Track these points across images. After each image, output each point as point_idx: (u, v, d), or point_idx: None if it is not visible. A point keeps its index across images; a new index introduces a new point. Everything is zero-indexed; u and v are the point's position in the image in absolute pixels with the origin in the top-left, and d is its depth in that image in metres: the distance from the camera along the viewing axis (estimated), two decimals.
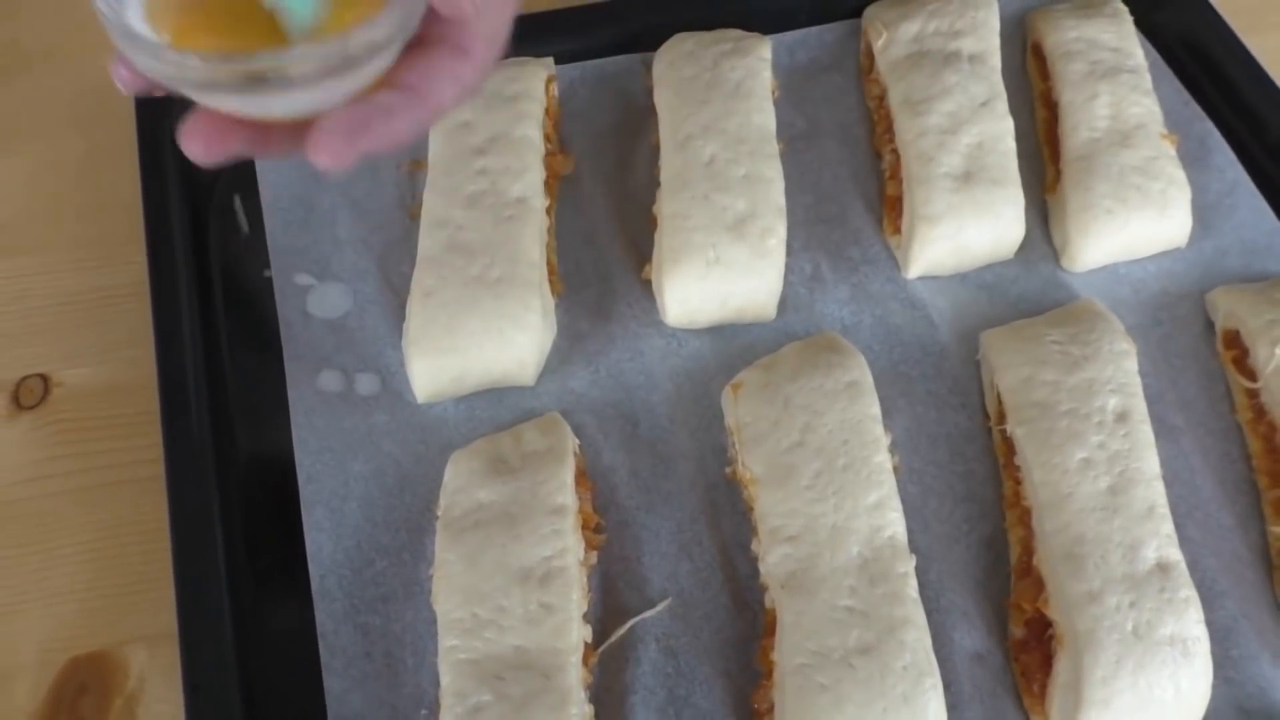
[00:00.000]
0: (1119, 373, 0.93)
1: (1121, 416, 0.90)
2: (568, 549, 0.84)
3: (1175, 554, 0.85)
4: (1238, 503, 0.95)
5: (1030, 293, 1.06)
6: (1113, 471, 0.88)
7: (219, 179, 1.10)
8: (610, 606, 0.88)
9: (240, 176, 1.09)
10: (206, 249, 1.06)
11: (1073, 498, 0.87)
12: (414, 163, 1.07)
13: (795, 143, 1.14)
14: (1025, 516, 0.90)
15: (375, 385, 0.98)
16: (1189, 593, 0.83)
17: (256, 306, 1.03)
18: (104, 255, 1.08)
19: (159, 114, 1.10)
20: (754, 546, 0.88)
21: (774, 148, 1.05)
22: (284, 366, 0.97)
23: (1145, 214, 1.05)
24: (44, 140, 1.16)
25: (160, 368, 0.95)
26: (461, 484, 0.88)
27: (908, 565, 0.84)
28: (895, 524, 0.86)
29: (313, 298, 1.02)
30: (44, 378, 1.00)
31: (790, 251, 1.06)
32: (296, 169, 1.09)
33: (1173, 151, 1.08)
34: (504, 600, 0.82)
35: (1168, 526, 0.86)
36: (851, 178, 1.12)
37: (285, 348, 0.99)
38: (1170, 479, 0.94)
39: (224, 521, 0.89)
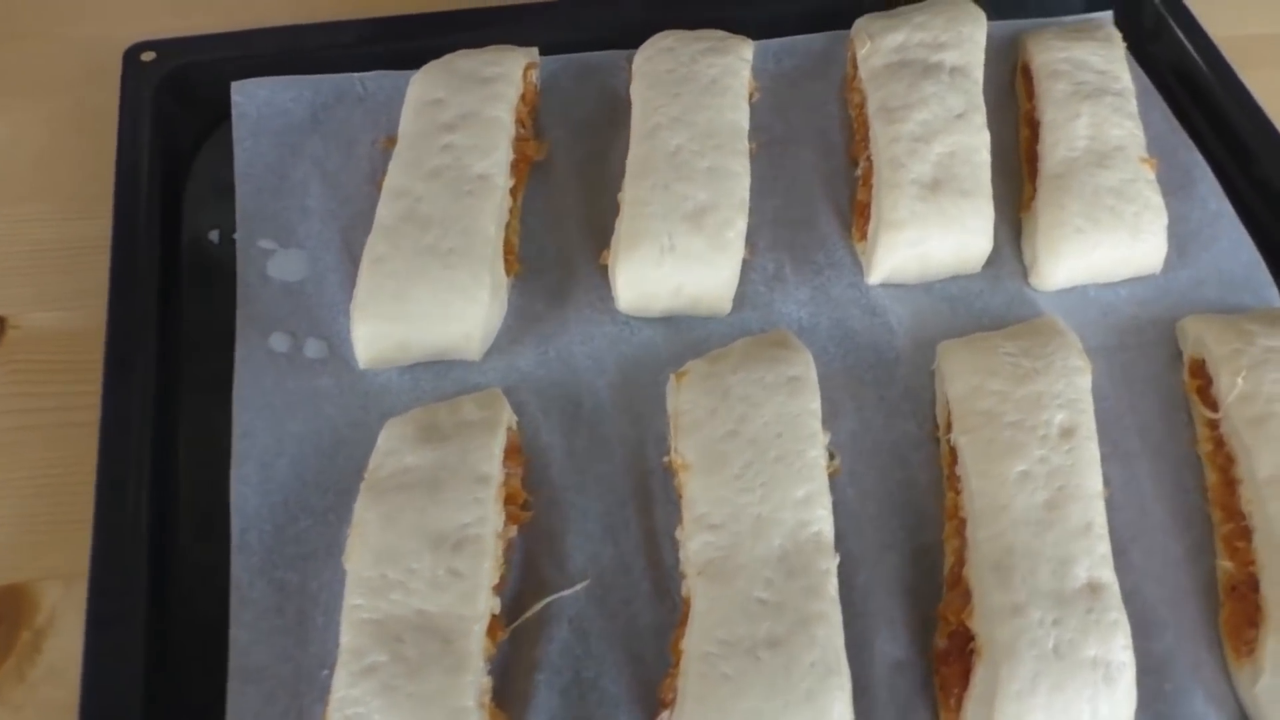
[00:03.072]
0: (1070, 388, 0.91)
1: (1067, 432, 0.88)
2: (486, 518, 0.83)
3: (1108, 575, 0.82)
4: (1188, 534, 0.92)
5: (995, 308, 1.04)
6: (1051, 486, 0.85)
7: (197, 143, 1.12)
8: (529, 582, 0.87)
9: (217, 143, 1.11)
10: (177, 209, 1.08)
11: (1008, 509, 0.84)
12: (388, 139, 1.09)
13: (772, 146, 1.14)
14: (963, 527, 0.88)
15: (323, 350, 0.98)
16: (1118, 616, 0.80)
17: (219, 268, 1.04)
18: (81, 209, 1.10)
19: (143, 75, 1.12)
20: (678, 533, 0.87)
21: (743, 145, 1.04)
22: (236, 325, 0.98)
23: (1117, 236, 1.03)
24: (32, 98, 1.20)
25: (110, 315, 0.96)
26: (392, 448, 0.88)
27: (829, 563, 0.82)
28: (822, 521, 0.84)
29: (273, 262, 1.03)
30: (3, 319, 1.02)
31: (755, 250, 1.05)
32: (274, 138, 1.10)
33: (1151, 176, 1.06)
34: (415, 563, 0.81)
35: (1103, 547, 0.83)
36: (824, 184, 1.11)
37: (240, 307, 1.00)
38: (1120, 503, 0.92)
39: (154, 468, 0.90)
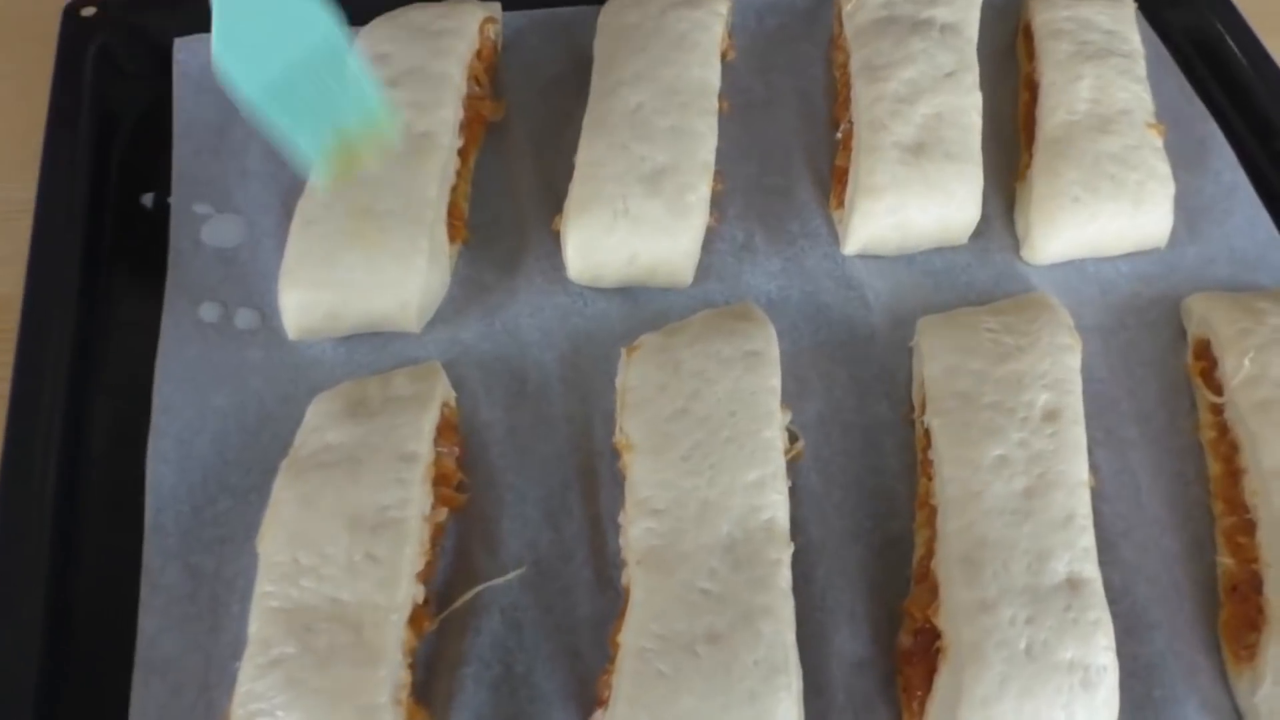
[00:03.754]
0: (1056, 367, 0.83)
1: (1051, 415, 0.80)
2: (410, 500, 0.76)
3: (1090, 570, 0.74)
4: (1186, 529, 0.84)
5: (982, 283, 0.96)
6: (1030, 473, 0.78)
7: (138, 104, 1.06)
8: (461, 570, 0.81)
9: (159, 104, 1.05)
10: (112, 173, 1.02)
11: (981, 497, 0.77)
12: None
13: (750, 109, 1.06)
14: (934, 517, 0.80)
15: (254, 321, 0.92)
16: (1100, 615, 0.73)
17: (151, 234, 0.98)
18: (11, 172, 1.04)
19: (83, 31, 1.07)
20: (620, 518, 0.80)
21: (711, 104, 0.97)
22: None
23: (1118, 206, 0.95)
24: None
25: (29, 282, 0.91)
26: (317, 424, 0.82)
27: (782, 553, 0.75)
28: (776, 507, 0.77)
29: (208, 227, 0.97)
30: None
31: (724, 218, 0.98)
32: (215, 97, 1.04)
33: (1158, 143, 0.98)
34: (330, 547, 0.74)
35: (1087, 539, 0.76)
36: (804, 150, 1.04)
37: (170, 274, 0.94)
38: (1111, 494, 0.84)
39: (64, 443, 0.84)
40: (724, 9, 1.05)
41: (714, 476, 0.77)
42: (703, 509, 0.76)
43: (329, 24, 0.74)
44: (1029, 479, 0.77)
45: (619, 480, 0.84)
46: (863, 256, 0.97)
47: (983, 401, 0.81)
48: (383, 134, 0.78)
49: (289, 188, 0.99)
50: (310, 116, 0.75)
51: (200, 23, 1.06)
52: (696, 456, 0.78)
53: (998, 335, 0.85)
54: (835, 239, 0.98)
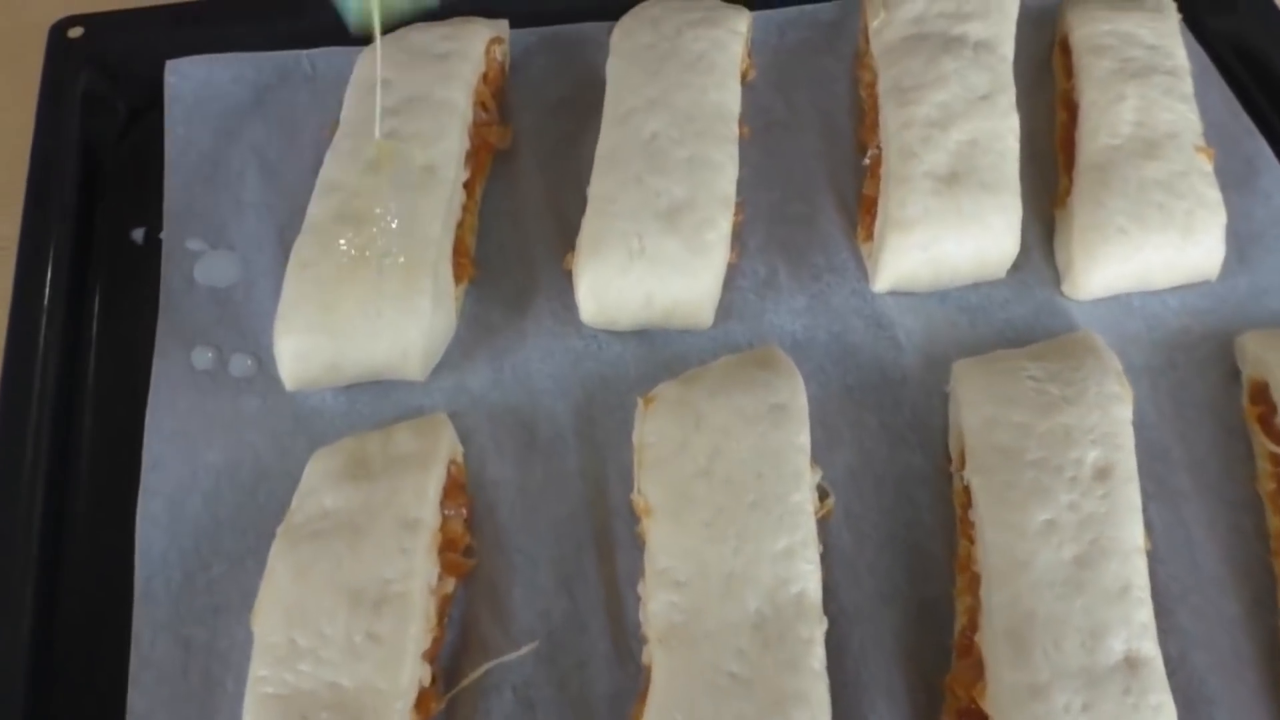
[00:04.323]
0: (1105, 420, 0.77)
1: (1102, 473, 0.75)
2: (414, 572, 0.71)
3: (1150, 648, 0.69)
4: (1246, 590, 0.79)
5: (1020, 320, 0.90)
6: (1082, 539, 0.72)
7: (126, 129, 1.01)
8: (469, 644, 0.76)
9: (149, 130, 0.99)
10: (99, 205, 0.97)
11: (1028, 566, 0.71)
12: (336, 124, 0.96)
13: (770, 131, 1.00)
14: (976, 584, 0.75)
15: (250, 367, 0.87)
16: (1162, 699, 0.67)
17: (141, 272, 0.93)
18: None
19: (69, 53, 1.01)
20: (639, 588, 0.75)
21: (731, 130, 0.91)
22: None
23: (1166, 237, 0.89)
24: None
25: (11, 326, 0.86)
26: (313, 486, 0.77)
27: (814, 630, 0.70)
28: (807, 578, 0.72)
29: (201, 265, 0.92)
30: None
31: (745, 252, 0.92)
32: (211, 123, 0.99)
33: (1208, 168, 0.92)
34: (328, 626, 0.69)
35: (1145, 614, 0.70)
36: (828, 175, 0.98)
37: (161, 317, 0.89)
38: (1165, 554, 0.79)
39: (47, 506, 0.79)
40: (743, 26, 0.99)
41: (739, 545, 0.72)
42: (727, 582, 0.71)
43: None
44: (1080, 546, 0.72)
45: (637, 542, 0.79)
46: (893, 293, 0.91)
47: (1027, 458, 0.76)
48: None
49: (286, 221, 0.94)
50: None
51: (193, 44, 1.02)
52: (720, 522, 0.73)
53: (1041, 384, 0.79)
54: (863, 273, 0.92)
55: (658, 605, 0.71)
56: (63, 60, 1.00)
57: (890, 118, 0.93)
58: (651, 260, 0.84)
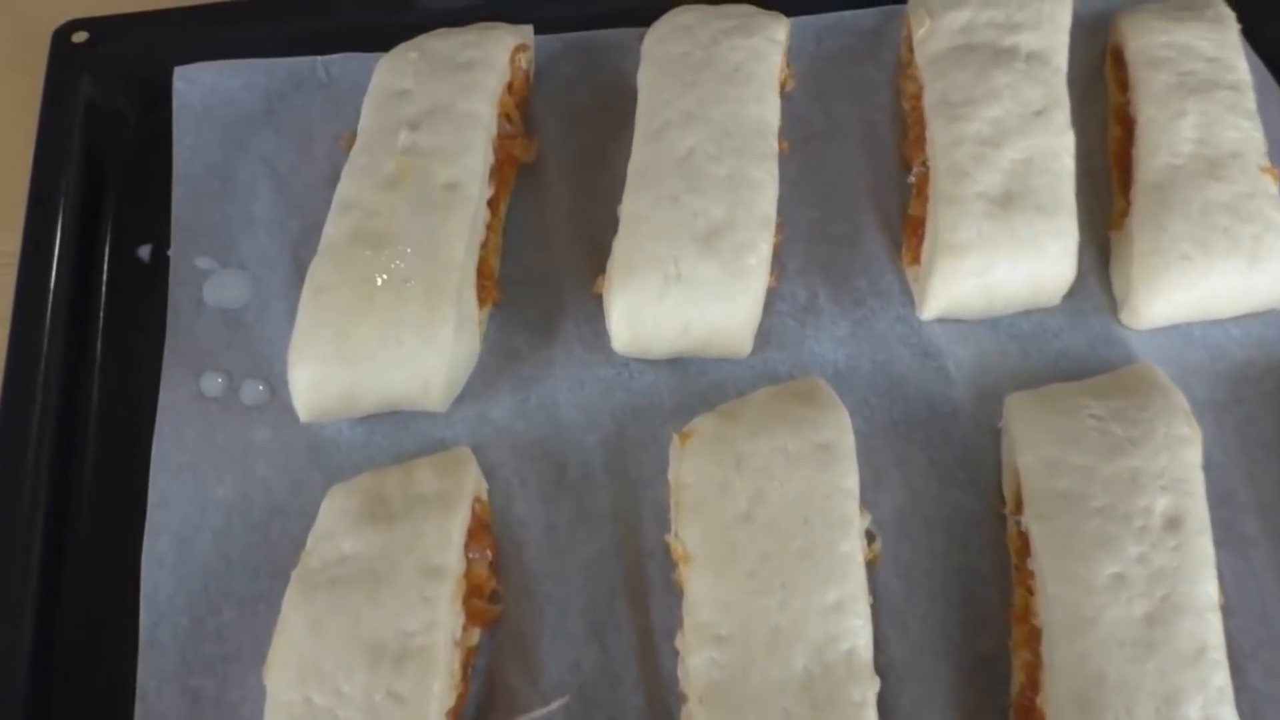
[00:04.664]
0: (1175, 464, 0.72)
1: (1172, 523, 0.70)
2: (437, 623, 0.67)
3: (1228, 714, 0.64)
4: None
5: (1076, 350, 0.86)
6: (1153, 595, 0.67)
7: (133, 139, 0.96)
8: (495, 698, 0.71)
9: (156, 139, 0.95)
10: (105, 219, 0.92)
11: (1096, 624, 0.67)
12: (352, 134, 0.91)
13: (809, 143, 0.95)
14: (1036, 639, 0.70)
15: (262, 395, 0.82)
16: None
17: (148, 291, 0.88)
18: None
19: (73, 58, 0.97)
20: (677, 641, 0.70)
21: (770, 146, 0.86)
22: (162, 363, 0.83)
23: (1232, 264, 0.84)
24: None
25: (10, 351, 0.81)
26: (329, 528, 0.72)
27: (866, 691, 0.65)
28: (857, 634, 0.67)
29: (211, 284, 0.88)
30: None
31: (784, 274, 0.88)
32: (221, 132, 0.94)
33: (1274, 189, 0.87)
34: (346, 684, 0.65)
35: (1221, 677, 0.65)
36: (870, 191, 0.93)
37: (168, 339, 0.85)
38: (1235, 605, 0.74)
39: (46, 545, 0.75)
40: (782, 35, 0.94)
41: (785, 598, 0.67)
42: (773, 638, 0.66)
43: None
44: (1150, 603, 0.67)
45: (673, 587, 0.74)
46: (941, 320, 0.86)
47: (1091, 505, 0.71)
48: None
49: (299, 238, 0.90)
50: None
51: (203, 49, 0.97)
52: (764, 573, 0.68)
53: (1105, 424, 0.74)
54: (908, 298, 0.87)
55: (698, 661, 0.67)
56: (66, 66, 0.96)
57: (939, 133, 0.88)
58: (689, 286, 0.79)
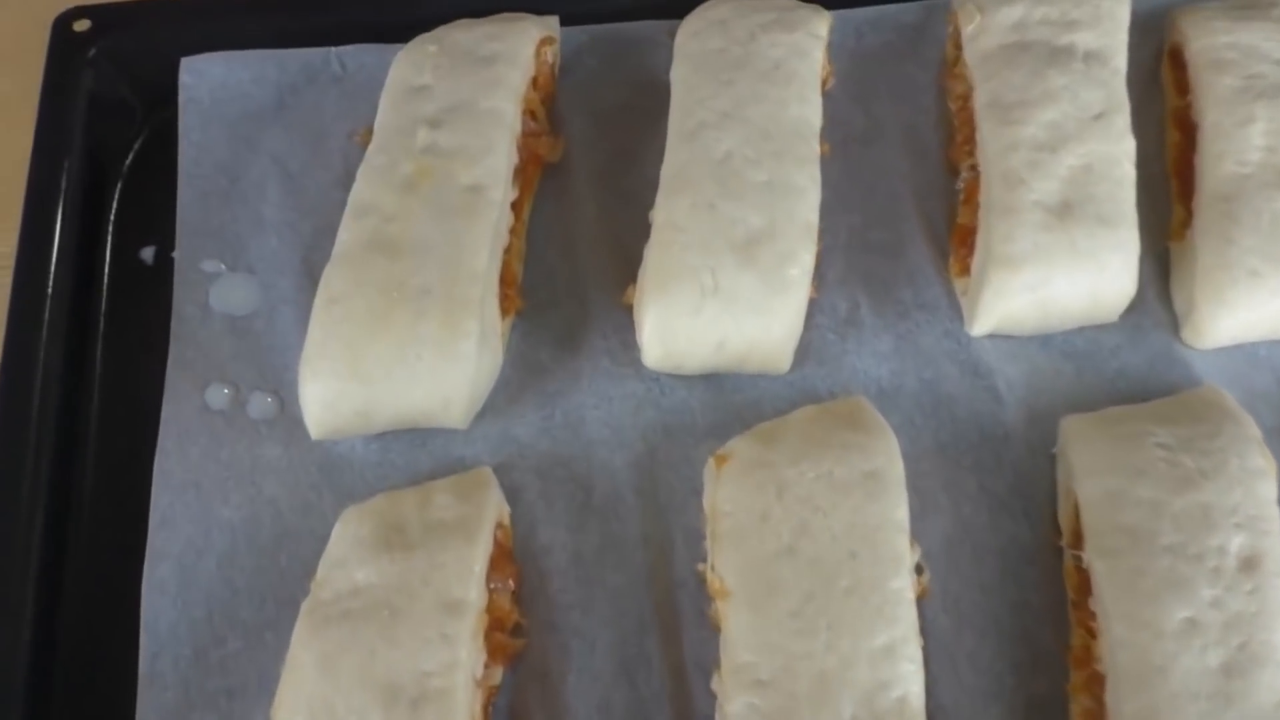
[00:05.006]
0: (1249, 500, 0.67)
1: (1248, 564, 0.65)
2: (457, 663, 0.62)
3: None
4: None
5: (1134, 369, 0.81)
6: (1229, 643, 0.63)
7: (136, 135, 0.92)
8: None
9: (161, 135, 0.90)
10: (107, 220, 0.87)
11: (1167, 673, 0.62)
12: (367, 131, 0.86)
13: (849, 146, 0.90)
14: (1097, 683, 0.66)
15: (271, 409, 0.78)
16: None
17: (152, 296, 0.84)
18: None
19: (75, 49, 0.92)
20: (714, 683, 0.66)
21: (812, 149, 0.81)
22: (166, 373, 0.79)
23: None
24: None
25: (5, 359, 0.77)
26: (344, 554, 0.68)
27: None
28: (909, 680, 0.63)
29: (218, 289, 0.83)
30: None
31: (823, 284, 0.83)
32: (229, 128, 0.89)
33: None
34: None
35: None
36: (914, 197, 0.88)
37: (172, 348, 0.80)
38: None
39: (43, 569, 0.71)
40: (824, 30, 0.88)
41: (832, 640, 0.63)
42: (819, 683, 0.62)
43: None
44: (1227, 651, 0.62)
45: (706, 619, 0.70)
46: (991, 336, 0.81)
47: (1160, 543, 0.66)
48: None
49: (311, 241, 0.85)
50: None
51: (211, 39, 0.92)
52: (809, 612, 0.64)
53: (1173, 454, 0.69)
54: (956, 312, 0.83)
55: (737, 708, 0.62)
56: (67, 57, 0.91)
57: (991, 138, 0.83)
58: (726, 299, 0.74)
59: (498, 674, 0.66)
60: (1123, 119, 0.83)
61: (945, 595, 0.72)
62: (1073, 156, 0.81)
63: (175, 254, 0.84)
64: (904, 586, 0.65)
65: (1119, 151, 0.82)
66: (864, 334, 0.81)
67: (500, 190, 0.78)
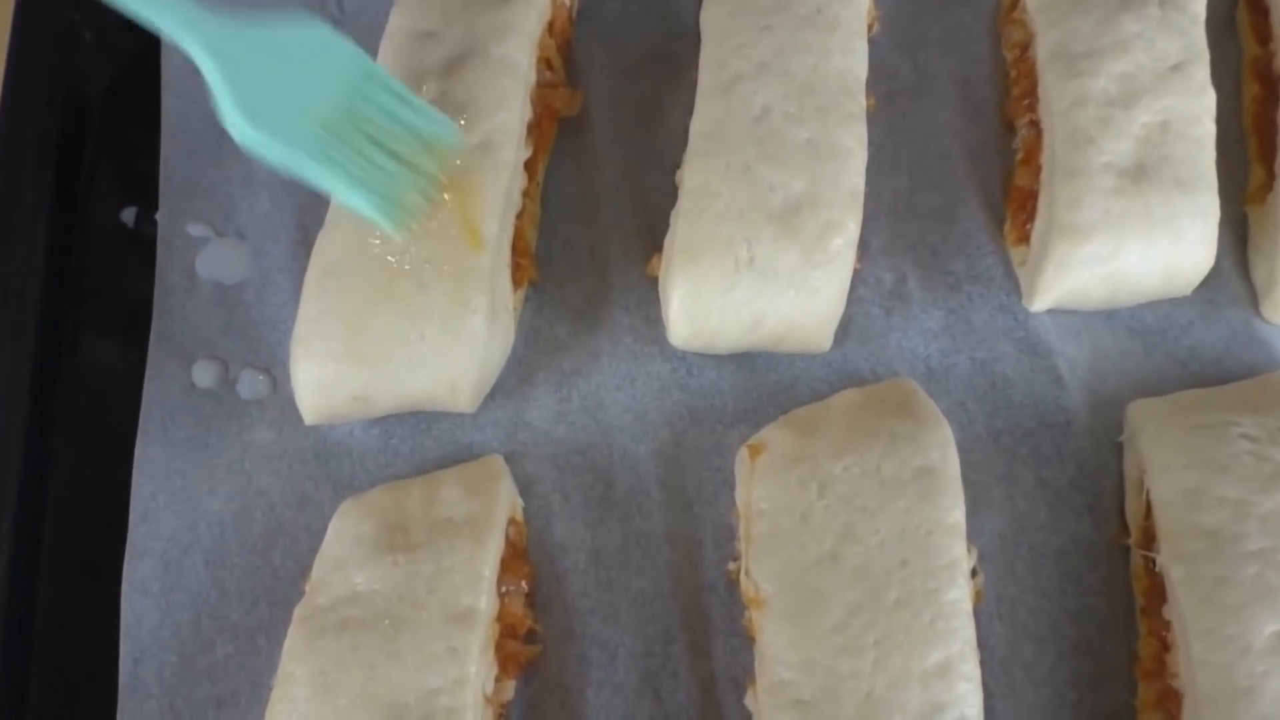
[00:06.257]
0: None
1: None
2: (467, 679, 0.57)
3: None
4: None
5: (1208, 349, 0.74)
6: None
7: (115, 88, 0.85)
8: None
9: (143, 89, 0.83)
10: (82, 179, 0.81)
11: (1254, 695, 0.56)
12: None
13: (895, 99, 0.83)
14: (1170, 700, 0.60)
15: (263, 387, 0.73)
16: None
17: (132, 262, 0.78)
18: None
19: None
20: (748, 700, 0.60)
21: (859, 105, 0.74)
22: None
23: None
24: None
25: None
26: (342, 554, 0.62)
27: None
28: (966, 701, 0.57)
29: (205, 255, 0.77)
30: None
31: (866, 253, 0.76)
32: None
33: None
34: None
35: None
36: (967, 156, 0.81)
37: (155, 320, 0.75)
38: None
39: (12, 567, 0.65)
40: None
41: (880, 659, 0.57)
42: (866, 706, 0.56)
43: (349, 52, 0.64)
44: None
45: (738, 626, 0.64)
46: (1052, 311, 0.74)
47: (1247, 548, 0.60)
48: (444, 143, 0.66)
49: (306, 203, 0.79)
50: (365, 164, 0.63)
51: None
52: (855, 626, 0.58)
53: (1260, 446, 0.63)
54: (1013, 285, 0.76)
55: None
56: (39, 4, 0.83)
57: (1055, 92, 0.75)
58: (762, 273, 0.68)
59: (510, 688, 0.61)
60: (1202, 70, 0.76)
61: (1000, 601, 0.66)
62: (1148, 113, 0.73)
63: (158, 216, 0.78)
64: (960, 598, 0.59)
65: (1198, 107, 0.74)
66: (911, 309, 0.75)
67: (513, 149, 0.71)
